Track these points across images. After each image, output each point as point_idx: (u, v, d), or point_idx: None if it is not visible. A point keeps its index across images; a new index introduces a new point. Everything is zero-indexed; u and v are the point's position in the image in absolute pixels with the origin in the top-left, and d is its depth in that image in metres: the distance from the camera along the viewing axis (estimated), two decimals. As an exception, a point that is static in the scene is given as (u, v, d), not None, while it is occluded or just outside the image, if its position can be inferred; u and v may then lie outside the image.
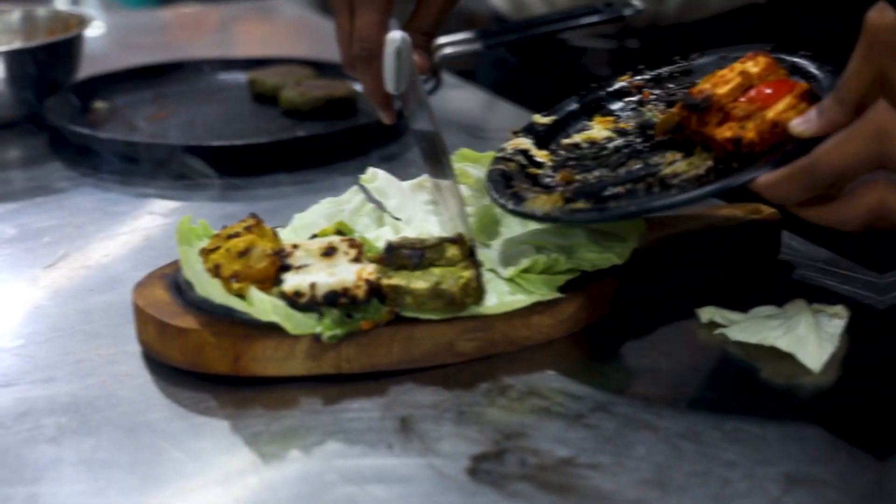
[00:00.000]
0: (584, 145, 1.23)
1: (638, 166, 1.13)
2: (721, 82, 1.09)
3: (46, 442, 0.96)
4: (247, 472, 0.92)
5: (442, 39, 1.76)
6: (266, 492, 0.90)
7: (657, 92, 1.27)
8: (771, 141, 1.04)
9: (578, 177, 1.16)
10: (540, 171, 1.21)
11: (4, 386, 1.05)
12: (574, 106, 1.30)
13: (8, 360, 1.10)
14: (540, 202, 1.11)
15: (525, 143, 1.25)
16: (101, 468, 0.93)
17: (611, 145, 1.21)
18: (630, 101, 1.28)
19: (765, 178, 1.00)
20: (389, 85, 1.30)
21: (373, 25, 1.29)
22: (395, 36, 1.27)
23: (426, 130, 1.26)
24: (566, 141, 1.25)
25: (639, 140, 1.20)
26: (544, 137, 1.27)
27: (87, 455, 0.94)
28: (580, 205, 1.08)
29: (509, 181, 1.17)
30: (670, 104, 1.23)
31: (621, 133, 1.23)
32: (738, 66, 1.10)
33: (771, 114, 1.05)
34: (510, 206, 1.12)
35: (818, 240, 1.29)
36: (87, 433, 0.97)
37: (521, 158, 1.22)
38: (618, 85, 1.30)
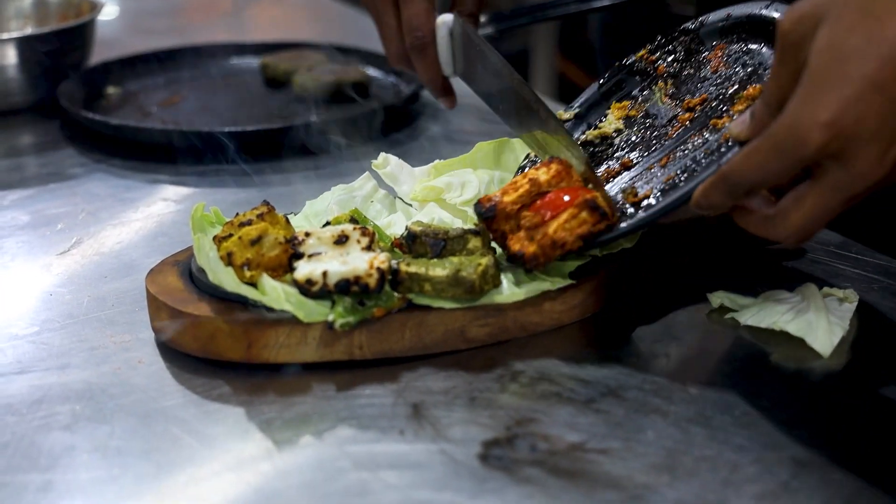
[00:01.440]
0: (596, 141, 1.25)
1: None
2: (511, 189, 1.11)
3: (61, 429, 0.97)
4: (260, 459, 0.93)
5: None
6: (279, 478, 0.91)
7: (670, 65, 1.28)
8: (555, 255, 1.07)
9: None
10: None
11: (19, 373, 1.06)
12: (595, 93, 1.32)
13: (23, 348, 1.11)
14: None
15: None
16: (116, 455, 0.94)
17: (617, 140, 1.23)
18: (645, 76, 1.29)
19: (698, 189, 1.01)
20: (447, 68, 1.32)
21: (422, 14, 1.32)
22: (446, 19, 1.30)
23: (497, 81, 1.26)
24: (583, 138, 1.27)
25: (637, 133, 1.22)
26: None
27: (102, 442, 0.95)
28: None
29: None
30: (675, 77, 1.25)
31: (629, 122, 1.25)
32: (529, 173, 1.11)
33: (551, 229, 1.07)
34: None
35: (829, 223, 1.28)
36: (101, 420, 0.98)
37: None
38: (634, 59, 1.32)
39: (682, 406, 0.98)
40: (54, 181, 1.57)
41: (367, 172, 1.27)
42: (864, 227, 1.25)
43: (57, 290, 1.23)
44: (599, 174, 1.19)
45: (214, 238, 1.10)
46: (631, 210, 1.10)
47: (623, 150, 1.21)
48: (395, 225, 1.21)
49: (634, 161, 1.18)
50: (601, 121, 1.28)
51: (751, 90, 1.13)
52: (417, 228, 1.11)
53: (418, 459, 0.92)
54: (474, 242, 1.10)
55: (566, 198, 1.08)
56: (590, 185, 1.12)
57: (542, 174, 1.11)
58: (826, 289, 1.12)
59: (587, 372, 1.03)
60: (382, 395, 1.01)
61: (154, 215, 1.45)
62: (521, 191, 1.10)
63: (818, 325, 1.06)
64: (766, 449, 0.92)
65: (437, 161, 1.27)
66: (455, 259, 1.08)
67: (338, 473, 0.91)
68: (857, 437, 0.94)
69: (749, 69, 1.17)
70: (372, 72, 1.92)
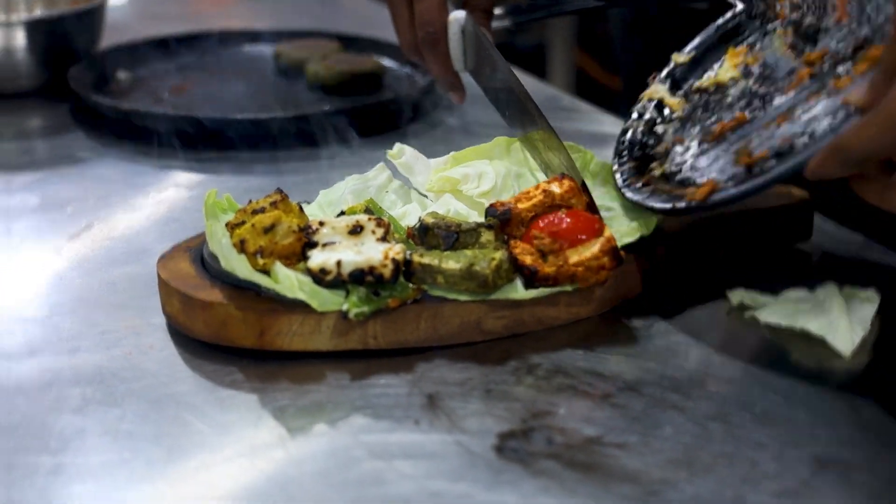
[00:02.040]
0: (711, 89, 1.24)
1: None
2: (525, 198, 1.12)
3: (71, 412, 0.96)
4: (273, 446, 0.92)
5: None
6: (292, 466, 0.90)
7: (792, 10, 1.24)
8: (566, 281, 1.07)
9: (686, 139, 1.20)
10: (668, 127, 1.24)
11: (29, 356, 1.05)
12: (712, 36, 1.30)
13: (33, 331, 1.10)
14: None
15: (660, 91, 1.28)
16: (126, 439, 0.93)
17: (732, 90, 1.22)
18: (765, 20, 1.26)
19: (812, 159, 0.98)
20: (457, 64, 1.33)
21: (435, 8, 1.32)
22: (458, 15, 1.31)
23: (503, 87, 1.27)
24: (697, 84, 1.26)
25: (754, 86, 1.20)
26: (682, 78, 1.29)
27: (112, 426, 0.94)
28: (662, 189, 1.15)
29: (633, 148, 1.23)
30: (797, 26, 1.21)
31: (745, 71, 1.22)
32: (542, 185, 1.12)
33: (572, 260, 1.07)
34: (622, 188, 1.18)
35: (851, 223, 1.28)
36: (111, 404, 0.97)
37: (653, 113, 1.26)
38: (754, 1, 1.29)
39: (701, 402, 0.97)
40: (64, 164, 1.57)
41: (381, 163, 1.26)
42: (885, 228, 1.24)
43: (67, 274, 1.22)
44: (713, 129, 1.18)
45: (227, 225, 1.09)
46: (743, 171, 1.08)
47: (738, 102, 1.19)
48: (409, 216, 1.19)
49: (749, 117, 1.15)
50: (717, 66, 1.26)
51: (874, 50, 1.07)
52: (430, 220, 1.10)
53: (433, 450, 0.91)
54: (487, 236, 1.09)
55: (582, 236, 1.08)
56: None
57: (556, 187, 1.11)
58: (847, 289, 1.11)
59: (604, 366, 1.02)
60: (397, 385, 1.00)
61: (165, 201, 1.44)
62: (534, 200, 1.11)
63: (839, 324, 1.05)
64: (786, 447, 0.91)
65: (452, 153, 1.26)
66: (469, 252, 1.07)
67: (352, 462, 0.90)
68: (878, 437, 0.93)
69: (876, 23, 1.12)
70: (387, 62, 1.91)
